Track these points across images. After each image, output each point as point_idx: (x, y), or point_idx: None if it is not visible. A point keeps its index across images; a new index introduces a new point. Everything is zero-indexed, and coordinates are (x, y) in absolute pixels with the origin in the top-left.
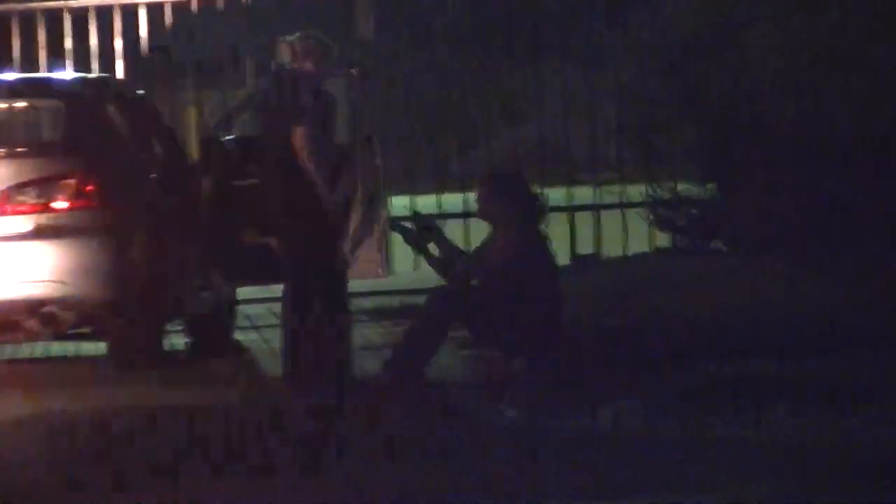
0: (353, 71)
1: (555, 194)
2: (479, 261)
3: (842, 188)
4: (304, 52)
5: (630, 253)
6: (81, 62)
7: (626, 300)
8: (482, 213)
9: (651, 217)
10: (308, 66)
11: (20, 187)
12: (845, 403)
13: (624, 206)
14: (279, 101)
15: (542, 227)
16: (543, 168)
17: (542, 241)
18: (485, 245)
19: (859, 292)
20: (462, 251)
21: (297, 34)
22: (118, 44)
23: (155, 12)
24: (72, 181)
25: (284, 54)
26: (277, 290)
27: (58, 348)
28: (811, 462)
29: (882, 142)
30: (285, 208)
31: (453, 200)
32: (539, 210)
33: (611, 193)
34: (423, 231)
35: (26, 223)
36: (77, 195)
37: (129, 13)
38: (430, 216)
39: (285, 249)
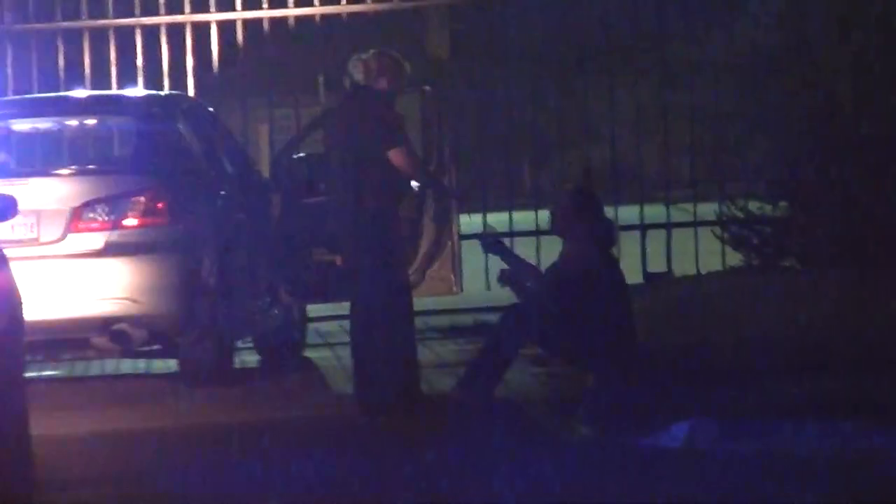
0: (426, 88)
1: (627, 212)
2: (551, 278)
3: None
4: (378, 69)
5: (702, 271)
6: (153, 79)
7: (699, 318)
8: (557, 229)
9: (723, 235)
10: (382, 83)
11: (91, 204)
12: None
13: (697, 224)
14: (356, 118)
15: (613, 251)
16: (616, 186)
17: (612, 260)
18: (557, 262)
19: None
20: (533, 266)
21: (371, 51)
22: (189, 60)
23: (227, 29)
24: (142, 198)
25: (358, 72)
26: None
27: (128, 365)
28: (884, 480)
29: None
30: (352, 226)
31: (525, 218)
32: (610, 234)
33: (683, 211)
34: (491, 245)
35: (97, 240)
36: (148, 212)
37: (202, 30)
38: (499, 233)
39: (353, 267)
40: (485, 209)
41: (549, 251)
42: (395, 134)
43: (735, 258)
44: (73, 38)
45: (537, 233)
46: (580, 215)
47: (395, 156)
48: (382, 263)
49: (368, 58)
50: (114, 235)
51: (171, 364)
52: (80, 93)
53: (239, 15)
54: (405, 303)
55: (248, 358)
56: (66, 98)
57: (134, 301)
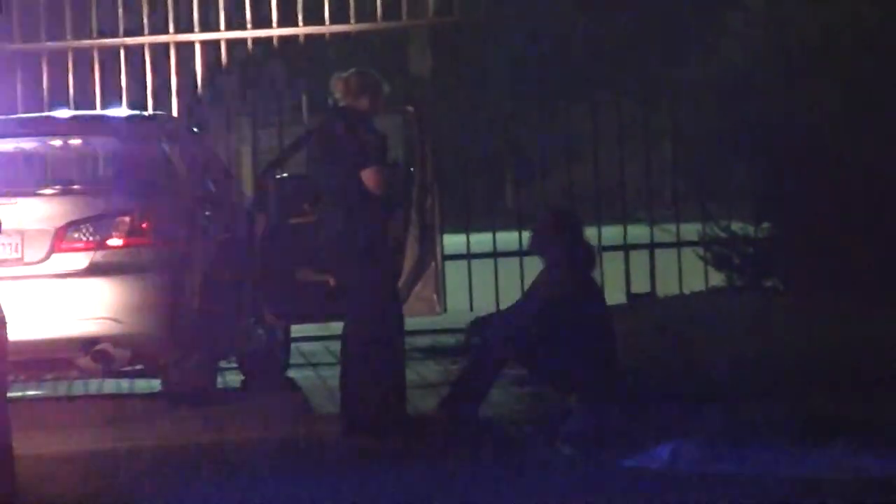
0: (409, 108)
1: (610, 232)
2: (532, 298)
3: None
4: (357, 88)
5: (685, 291)
6: (136, 99)
7: (682, 338)
8: (536, 248)
9: (706, 255)
10: (362, 102)
11: (76, 224)
12: None
13: (679, 244)
14: (336, 138)
15: (591, 274)
16: (598, 206)
17: (593, 282)
18: (538, 282)
19: None
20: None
21: (351, 70)
22: (173, 81)
23: (210, 49)
24: (126, 218)
25: (338, 91)
26: (333, 328)
27: (111, 385)
28: (868, 500)
29: None
30: (341, 246)
31: (508, 238)
32: (590, 256)
33: (666, 232)
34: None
35: (81, 260)
36: (131, 232)
37: (185, 50)
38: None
39: (342, 287)
40: (468, 229)
41: (533, 272)
42: (369, 154)
43: (718, 278)
44: (57, 59)
45: (521, 253)
46: (559, 237)
47: (367, 176)
48: (372, 282)
49: (348, 77)
50: (98, 255)
51: (155, 384)
52: (64, 113)
53: (223, 35)
54: (397, 321)
55: (231, 378)
56: (50, 118)
57: (117, 321)
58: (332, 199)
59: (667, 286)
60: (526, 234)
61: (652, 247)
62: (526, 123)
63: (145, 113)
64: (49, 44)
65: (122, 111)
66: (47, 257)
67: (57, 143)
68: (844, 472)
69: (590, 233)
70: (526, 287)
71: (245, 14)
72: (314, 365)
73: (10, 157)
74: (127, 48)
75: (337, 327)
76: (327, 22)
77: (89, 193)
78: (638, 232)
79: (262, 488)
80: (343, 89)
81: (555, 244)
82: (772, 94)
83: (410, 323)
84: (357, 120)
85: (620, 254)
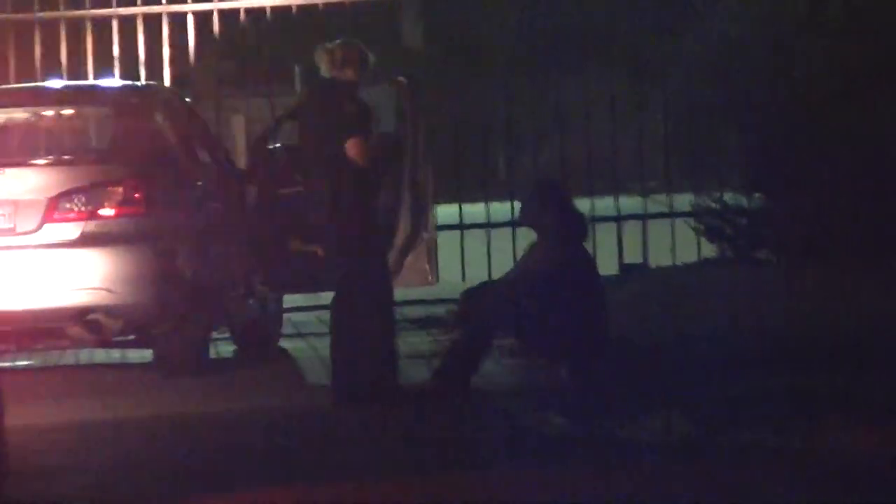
0: (401, 79)
1: (602, 204)
2: (524, 269)
3: (890, 196)
4: (343, 59)
5: (678, 262)
6: (129, 70)
7: (674, 309)
8: (526, 220)
9: (698, 226)
10: (349, 73)
11: (67, 194)
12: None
13: (671, 215)
14: (321, 109)
15: (583, 244)
16: (591, 177)
17: (585, 252)
18: (530, 253)
19: None
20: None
21: (337, 41)
22: (166, 51)
23: (203, 20)
24: (119, 188)
25: (323, 62)
26: (325, 298)
27: (103, 355)
28: (858, 473)
29: None
30: (331, 216)
31: (501, 209)
32: (581, 225)
33: (658, 203)
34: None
35: (73, 230)
36: (124, 202)
37: (178, 21)
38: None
39: (332, 258)
40: (460, 200)
41: (525, 243)
42: (353, 125)
43: (710, 249)
44: (49, 29)
45: (513, 224)
46: (549, 208)
47: (350, 147)
48: (363, 253)
49: (333, 48)
50: (90, 225)
51: (147, 354)
52: (57, 83)
53: (215, 5)
54: (386, 292)
55: (223, 348)
56: (43, 88)
57: (109, 291)
58: (321, 169)
59: (659, 257)
60: (518, 206)
61: (644, 218)
62: (518, 94)
63: (138, 83)
64: (41, 14)
65: (114, 82)
66: (39, 227)
67: (50, 113)
68: (832, 444)
69: (582, 204)
70: (518, 258)
71: None
72: (306, 335)
73: (2, 128)
74: (120, 18)
75: (328, 297)
76: None
77: (82, 163)
78: (630, 203)
79: (257, 458)
80: (328, 61)
81: (544, 216)
82: (762, 64)
83: (403, 294)
84: (342, 91)
85: (613, 225)
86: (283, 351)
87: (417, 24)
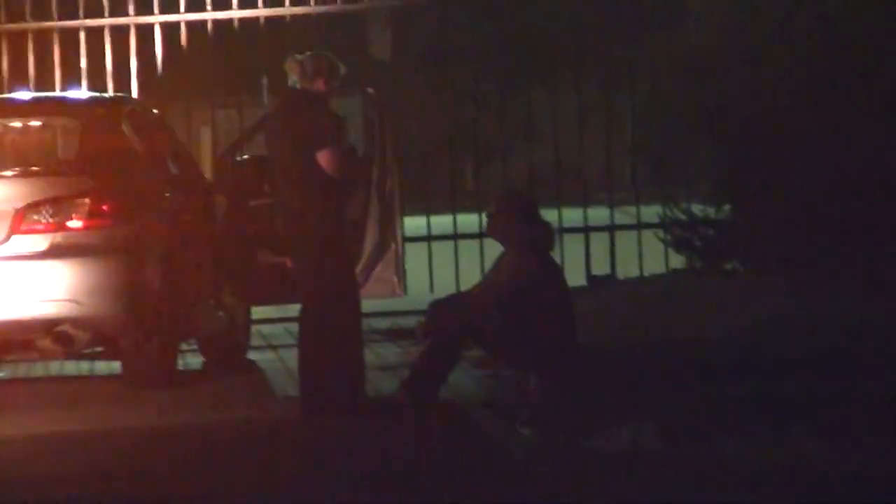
0: (369, 90)
1: (570, 214)
2: (492, 281)
3: (857, 207)
4: (313, 70)
5: (646, 273)
6: (97, 81)
7: (642, 320)
8: (494, 232)
9: (667, 237)
10: (319, 84)
11: (35, 206)
12: (863, 423)
13: (640, 226)
14: (292, 119)
15: (550, 254)
16: (559, 187)
17: (552, 262)
18: (498, 264)
19: (874, 310)
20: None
21: (307, 52)
22: (133, 63)
23: (170, 31)
24: (86, 200)
25: (294, 73)
26: (293, 309)
27: (71, 367)
28: (828, 482)
29: None
30: (299, 228)
31: (468, 220)
32: (548, 236)
33: (626, 214)
34: None
35: (41, 242)
36: (92, 214)
37: (145, 32)
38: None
39: (300, 269)
40: (428, 211)
41: (493, 253)
42: (325, 136)
43: (678, 260)
44: (16, 40)
45: (481, 235)
46: (516, 219)
47: (322, 157)
48: (331, 264)
49: (303, 59)
50: (58, 237)
51: (115, 366)
52: (24, 95)
53: (182, 17)
54: (353, 304)
55: (192, 360)
56: (10, 99)
57: (77, 303)
58: (290, 181)
59: (627, 268)
60: (486, 217)
61: (612, 228)
62: (486, 104)
63: (106, 95)
64: (8, 25)
65: (82, 93)
66: (7, 239)
67: (17, 124)
68: (802, 454)
69: (550, 215)
70: (486, 269)
71: None
72: (274, 347)
73: None
74: (87, 30)
75: (296, 308)
76: (287, 3)
77: (49, 175)
78: (598, 214)
79: (224, 469)
80: (299, 71)
81: (512, 227)
82: (731, 75)
83: (371, 305)
84: (313, 102)
85: (581, 236)
86: (252, 362)
87: (385, 34)
